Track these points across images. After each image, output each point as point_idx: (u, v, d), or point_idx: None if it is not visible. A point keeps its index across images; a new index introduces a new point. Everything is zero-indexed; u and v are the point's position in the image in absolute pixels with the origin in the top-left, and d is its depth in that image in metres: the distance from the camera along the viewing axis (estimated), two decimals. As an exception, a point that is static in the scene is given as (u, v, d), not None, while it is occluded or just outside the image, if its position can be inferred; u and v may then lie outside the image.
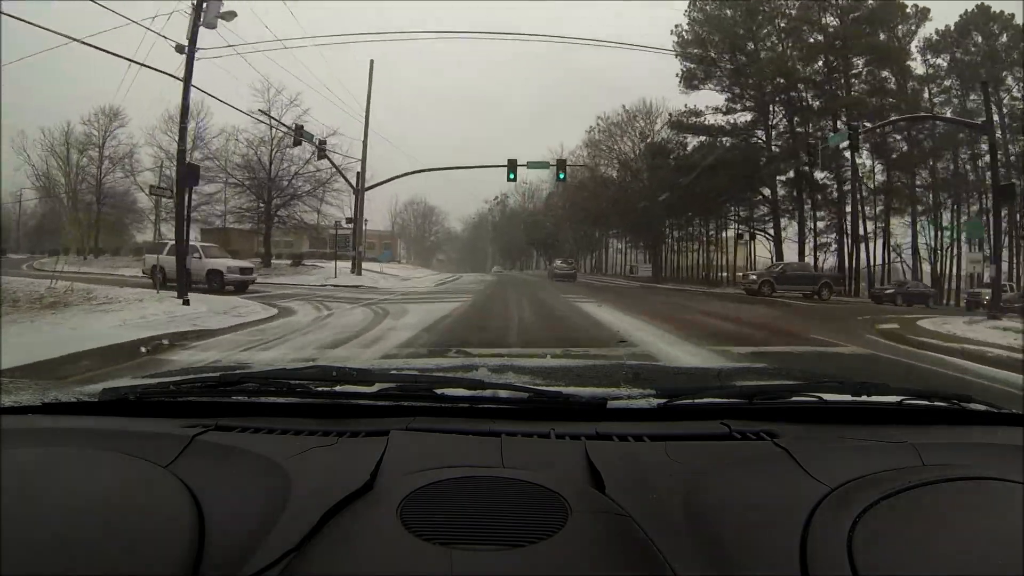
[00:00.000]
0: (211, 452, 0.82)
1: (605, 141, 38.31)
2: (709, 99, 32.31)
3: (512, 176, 21.34)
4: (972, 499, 0.67)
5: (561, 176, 23.43)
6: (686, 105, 33.41)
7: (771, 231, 32.40)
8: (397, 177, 26.84)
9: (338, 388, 1.01)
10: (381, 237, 55.81)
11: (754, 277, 22.33)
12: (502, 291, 18.96)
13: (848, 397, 1.00)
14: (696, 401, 0.99)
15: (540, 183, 54.53)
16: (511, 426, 0.89)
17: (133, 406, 1.00)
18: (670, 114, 34.08)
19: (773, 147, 31.76)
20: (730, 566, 0.59)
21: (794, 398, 1.00)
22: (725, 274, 36.38)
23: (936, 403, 1.00)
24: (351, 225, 25.38)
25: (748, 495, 0.73)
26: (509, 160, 21.51)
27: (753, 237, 33.42)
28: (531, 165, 22.78)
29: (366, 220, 36.97)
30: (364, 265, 26.39)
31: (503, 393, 0.99)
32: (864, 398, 0.98)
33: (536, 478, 0.72)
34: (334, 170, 25.51)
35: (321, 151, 22.75)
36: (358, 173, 25.05)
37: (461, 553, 0.59)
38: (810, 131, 30.03)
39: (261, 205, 28.28)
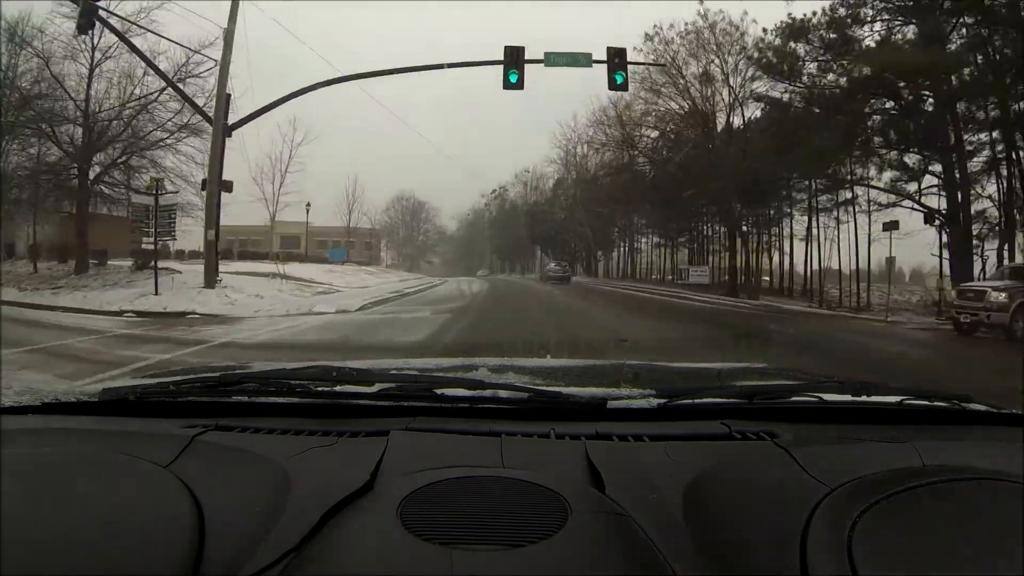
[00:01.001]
0: (211, 452, 0.82)
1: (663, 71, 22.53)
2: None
3: (514, 77, 12.87)
4: (972, 499, 0.67)
5: (619, 79, 13.66)
6: (791, 16, 18.54)
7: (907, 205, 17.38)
8: (294, 95, 14.43)
9: (338, 388, 1.01)
10: (362, 236, 49.72)
11: (1002, 297, 10.00)
12: (486, 334, 9.31)
13: (848, 397, 1.00)
14: (696, 401, 0.99)
15: (547, 164, 43.76)
16: (511, 426, 0.89)
17: (133, 406, 1.00)
18: (764, 30, 19.51)
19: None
20: (730, 566, 0.59)
21: (794, 398, 1.00)
22: (797, 275, 23.01)
23: (936, 403, 1.00)
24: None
25: (748, 495, 0.73)
26: (508, 49, 12.71)
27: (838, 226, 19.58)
28: (552, 60, 13.17)
29: (307, 205, 33.22)
30: (260, 268, 17.67)
31: (503, 393, 0.99)
32: (864, 398, 0.99)
33: (536, 478, 0.72)
34: (214, 109, 13.52)
35: (87, 10, 11.87)
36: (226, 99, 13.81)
37: (461, 553, 0.59)
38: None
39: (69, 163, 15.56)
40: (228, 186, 14.29)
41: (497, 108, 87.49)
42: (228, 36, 13.99)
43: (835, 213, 20.36)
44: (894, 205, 18.18)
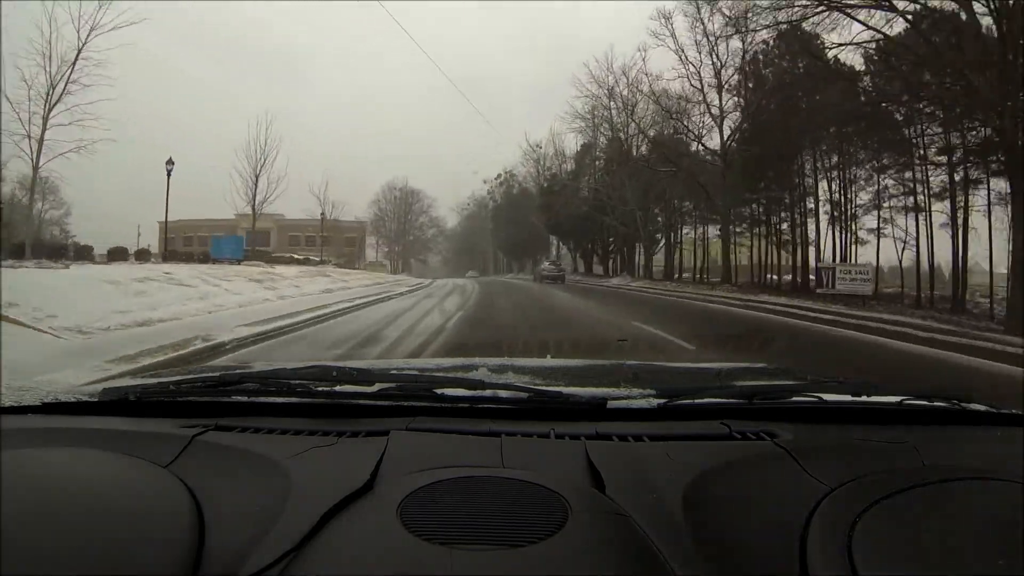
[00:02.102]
0: (211, 452, 0.82)
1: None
2: None
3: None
4: (972, 499, 0.67)
5: None
6: None
7: None
8: None
9: (338, 388, 1.01)
10: (342, 229, 43.19)
11: None
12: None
13: (848, 397, 1.00)
14: (696, 401, 0.99)
15: (571, 119, 31.81)
16: (511, 426, 0.89)
17: (133, 406, 1.00)
18: None
19: None
20: (730, 566, 0.59)
21: (794, 398, 1.00)
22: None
23: (936, 403, 1.00)
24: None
25: (748, 495, 0.73)
26: None
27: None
28: None
29: (169, 163, 18.23)
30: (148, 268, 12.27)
31: (503, 393, 0.99)
32: (864, 398, 0.99)
33: (536, 478, 0.72)
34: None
35: None
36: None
37: (461, 553, 0.59)
38: None
39: None
40: None
41: (506, 99, 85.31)
42: None
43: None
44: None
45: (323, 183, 45.63)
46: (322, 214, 39.92)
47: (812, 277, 19.08)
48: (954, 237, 15.81)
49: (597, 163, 32.83)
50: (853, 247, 19.27)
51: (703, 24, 19.92)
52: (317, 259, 34.12)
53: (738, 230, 23.68)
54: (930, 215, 16.81)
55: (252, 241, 27.62)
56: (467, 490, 0.70)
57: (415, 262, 57.89)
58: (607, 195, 29.84)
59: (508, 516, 0.64)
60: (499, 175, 51.51)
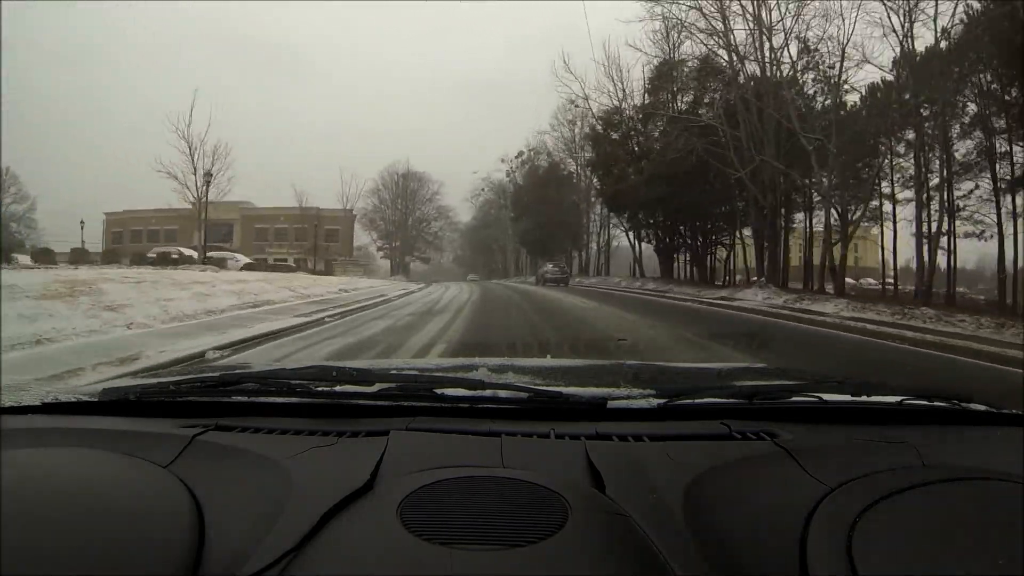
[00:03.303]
0: (211, 452, 0.82)
1: None
2: None
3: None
4: (972, 499, 0.67)
5: None
6: None
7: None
8: None
9: (338, 388, 1.01)
10: (324, 221, 35.43)
11: None
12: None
13: (848, 397, 1.00)
14: (696, 401, 0.99)
15: (639, 24, 22.96)
16: (511, 426, 0.89)
17: (133, 406, 1.00)
18: None
19: None
20: (730, 566, 0.59)
21: (794, 398, 1.00)
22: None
23: (936, 403, 1.00)
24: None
25: (748, 495, 0.73)
26: None
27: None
28: None
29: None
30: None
31: (503, 393, 0.99)
32: (864, 398, 0.99)
33: (536, 478, 0.72)
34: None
35: None
36: None
37: (461, 553, 0.59)
38: None
39: None
40: None
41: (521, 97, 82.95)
42: None
43: None
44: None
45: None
46: (207, 175, 22.32)
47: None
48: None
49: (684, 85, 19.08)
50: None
51: None
52: (194, 256, 22.46)
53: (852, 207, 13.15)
54: None
55: (216, 234, 19.46)
56: (467, 490, 0.70)
57: (415, 262, 48.82)
58: (726, 133, 16.32)
59: (508, 516, 0.64)
60: (520, 153, 41.12)
